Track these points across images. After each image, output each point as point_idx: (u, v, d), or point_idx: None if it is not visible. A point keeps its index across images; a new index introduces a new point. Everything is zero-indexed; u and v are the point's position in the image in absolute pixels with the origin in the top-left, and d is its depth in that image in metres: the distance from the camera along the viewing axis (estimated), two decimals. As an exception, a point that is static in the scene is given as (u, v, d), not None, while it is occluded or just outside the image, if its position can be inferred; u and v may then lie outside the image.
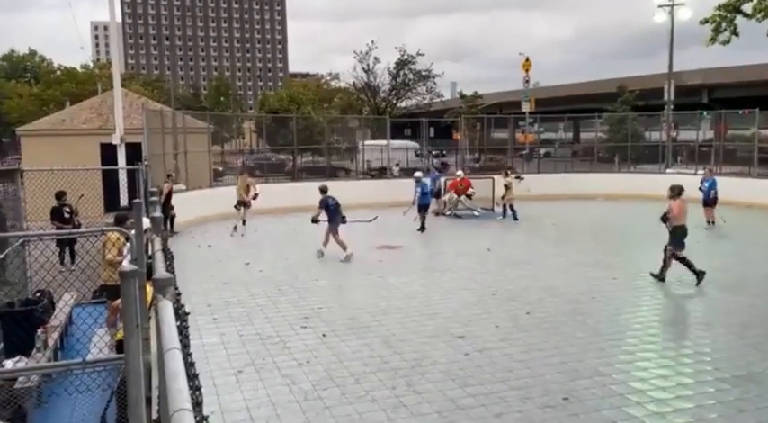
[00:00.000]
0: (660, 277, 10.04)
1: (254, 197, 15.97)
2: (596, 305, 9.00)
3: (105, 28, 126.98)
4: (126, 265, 3.95)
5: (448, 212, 19.02)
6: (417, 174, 17.42)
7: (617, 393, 5.85)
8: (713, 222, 15.93)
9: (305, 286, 10.27)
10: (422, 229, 15.85)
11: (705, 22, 23.88)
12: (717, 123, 26.94)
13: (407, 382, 6.13)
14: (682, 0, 28.55)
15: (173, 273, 3.19)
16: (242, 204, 15.67)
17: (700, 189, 16.17)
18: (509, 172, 19.10)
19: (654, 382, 6.13)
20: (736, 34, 23.32)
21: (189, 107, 58.02)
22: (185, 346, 2.40)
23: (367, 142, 28.73)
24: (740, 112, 29.10)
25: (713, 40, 23.73)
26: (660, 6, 29.04)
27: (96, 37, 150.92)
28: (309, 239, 15.01)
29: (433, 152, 33.59)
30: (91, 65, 65.66)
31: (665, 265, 9.92)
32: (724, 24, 23.36)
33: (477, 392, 5.86)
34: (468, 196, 18.97)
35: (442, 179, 20.09)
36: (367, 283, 10.61)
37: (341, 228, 12.61)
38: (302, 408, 5.61)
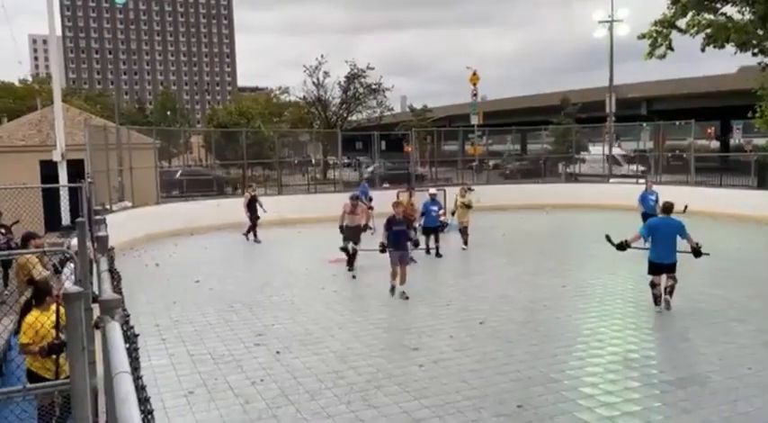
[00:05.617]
0: None
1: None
2: (547, 313, 9.18)
3: (44, 41, 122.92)
4: (69, 286, 3.81)
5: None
6: (432, 190, 14.85)
7: (569, 399, 5.97)
8: None
9: (257, 303, 10.11)
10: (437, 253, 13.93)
11: (642, 37, 25.06)
12: (656, 134, 28.11)
13: (363, 396, 6.10)
14: (620, 16, 29.79)
15: (120, 293, 3.10)
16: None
17: (647, 204, 14.25)
18: (467, 190, 16.03)
19: (603, 386, 6.29)
20: (672, 48, 24.56)
21: (134, 122, 56.71)
22: (135, 368, 2.33)
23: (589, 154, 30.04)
24: (677, 123, 30.47)
25: (650, 54, 24.94)
26: (600, 22, 30.21)
27: (35, 50, 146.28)
28: (261, 255, 14.88)
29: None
30: (30, 79, 63.45)
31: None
32: (660, 39, 24.57)
33: (433, 404, 5.88)
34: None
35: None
36: (320, 297, 10.53)
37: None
38: (257, 427, 5.51)
